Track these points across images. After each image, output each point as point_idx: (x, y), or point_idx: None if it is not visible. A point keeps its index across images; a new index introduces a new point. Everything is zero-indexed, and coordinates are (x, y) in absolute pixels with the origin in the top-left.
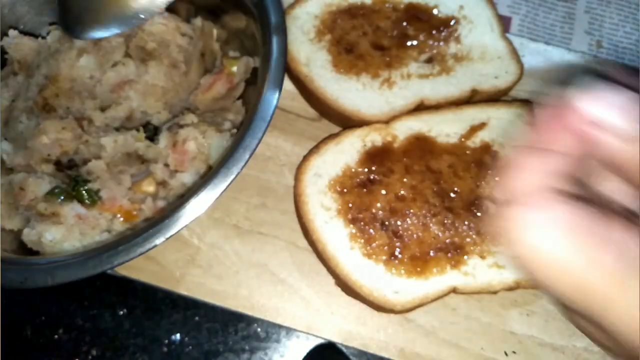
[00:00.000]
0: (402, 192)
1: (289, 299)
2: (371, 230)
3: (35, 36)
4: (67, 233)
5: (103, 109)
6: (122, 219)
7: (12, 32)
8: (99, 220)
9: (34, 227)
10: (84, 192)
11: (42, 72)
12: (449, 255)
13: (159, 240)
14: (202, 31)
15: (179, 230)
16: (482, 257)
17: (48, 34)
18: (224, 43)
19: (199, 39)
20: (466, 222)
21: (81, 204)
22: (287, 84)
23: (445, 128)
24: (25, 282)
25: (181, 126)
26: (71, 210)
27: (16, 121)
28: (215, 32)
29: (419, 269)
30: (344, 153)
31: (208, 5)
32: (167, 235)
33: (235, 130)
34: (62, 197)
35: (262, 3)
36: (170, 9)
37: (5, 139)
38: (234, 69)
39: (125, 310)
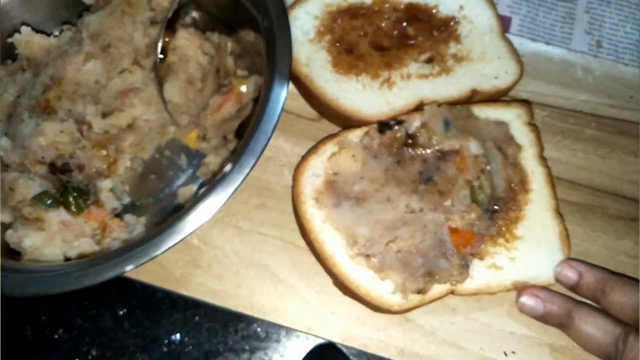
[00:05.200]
0: None
1: (289, 299)
2: None
3: (48, 34)
4: (48, 240)
5: (105, 115)
6: (106, 229)
7: (25, 29)
8: (84, 228)
9: (17, 230)
10: (71, 199)
11: (48, 72)
12: None
13: (156, 253)
14: (218, 46)
15: (173, 245)
16: (480, 258)
17: (61, 33)
18: (237, 57)
19: (216, 56)
20: None
21: (67, 210)
22: None
23: None
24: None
25: None
26: (56, 216)
27: (18, 118)
28: (229, 45)
29: None
30: None
31: (225, 18)
32: (165, 248)
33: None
34: (49, 202)
35: (271, 28)
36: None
37: (5, 134)
38: (243, 88)
39: (125, 310)
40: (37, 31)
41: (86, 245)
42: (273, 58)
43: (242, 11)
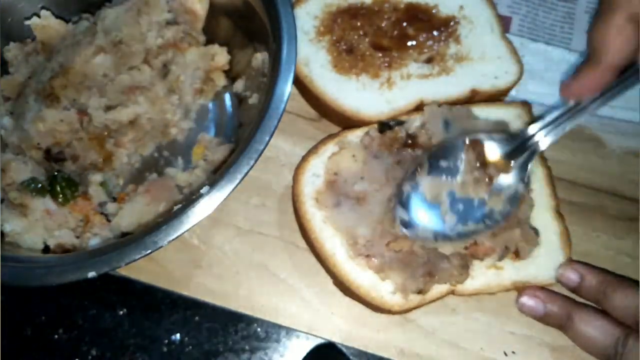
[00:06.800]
0: None
1: (289, 299)
2: None
3: (67, 21)
4: (28, 226)
5: (109, 108)
6: (88, 223)
7: (44, 13)
8: (67, 219)
9: (1, 211)
10: (59, 188)
11: (58, 59)
12: None
13: (150, 249)
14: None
15: (173, 239)
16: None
17: (78, 20)
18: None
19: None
20: None
21: (54, 199)
22: None
23: None
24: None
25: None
26: (41, 204)
27: (24, 100)
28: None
29: None
30: None
31: (247, 28)
32: (170, 238)
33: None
34: (37, 188)
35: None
36: (210, 27)
37: (11, 113)
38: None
39: (125, 310)
40: (57, 16)
41: (66, 237)
42: (278, 63)
43: (259, 25)
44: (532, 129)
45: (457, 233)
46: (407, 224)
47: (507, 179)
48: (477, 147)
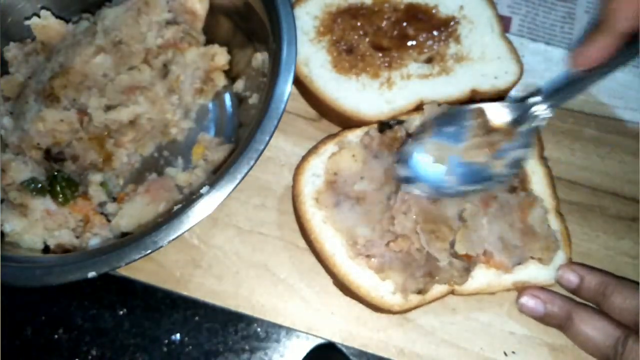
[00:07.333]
0: None
1: (289, 299)
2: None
3: (67, 21)
4: (28, 226)
5: (109, 108)
6: (88, 223)
7: (44, 13)
8: (67, 219)
9: (1, 211)
10: (59, 188)
11: (58, 59)
12: None
13: (150, 249)
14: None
15: (172, 240)
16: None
17: (78, 20)
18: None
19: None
20: None
21: (54, 199)
22: None
23: None
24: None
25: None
26: (41, 204)
27: (24, 100)
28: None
29: None
30: None
31: (247, 28)
32: (170, 238)
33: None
34: (37, 188)
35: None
36: (210, 27)
37: (11, 113)
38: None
39: (125, 310)
40: (57, 16)
41: (66, 237)
42: (278, 63)
43: (259, 25)
44: (536, 98)
45: (455, 191)
46: (408, 180)
47: (511, 145)
48: (482, 114)
